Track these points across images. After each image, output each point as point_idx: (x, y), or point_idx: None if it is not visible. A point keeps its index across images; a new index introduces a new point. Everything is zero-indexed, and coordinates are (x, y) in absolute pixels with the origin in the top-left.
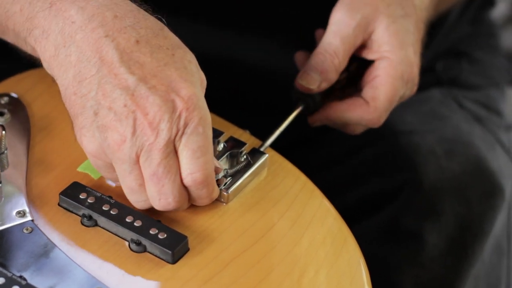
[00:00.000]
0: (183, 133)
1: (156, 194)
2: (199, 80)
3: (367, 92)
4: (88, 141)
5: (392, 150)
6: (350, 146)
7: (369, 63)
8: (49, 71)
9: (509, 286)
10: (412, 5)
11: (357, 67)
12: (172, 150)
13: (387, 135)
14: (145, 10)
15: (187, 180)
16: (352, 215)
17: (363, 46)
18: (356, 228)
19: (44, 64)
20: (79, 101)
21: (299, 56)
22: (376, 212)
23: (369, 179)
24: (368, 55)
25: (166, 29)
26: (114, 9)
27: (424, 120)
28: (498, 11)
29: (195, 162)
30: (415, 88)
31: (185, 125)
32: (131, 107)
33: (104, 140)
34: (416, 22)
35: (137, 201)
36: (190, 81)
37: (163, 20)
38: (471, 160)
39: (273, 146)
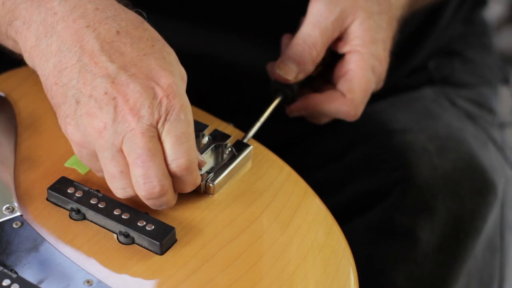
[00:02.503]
0: (165, 119)
1: (141, 178)
2: (179, 71)
3: (343, 85)
4: (73, 130)
5: (385, 148)
6: (343, 144)
7: (341, 55)
8: (29, 63)
9: (502, 283)
10: (388, 2)
11: (331, 59)
12: (155, 135)
13: (380, 133)
14: (125, 6)
15: (173, 166)
16: (346, 213)
17: (337, 38)
18: (349, 226)
19: (25, 55)
20: (60, 90)
21: (285, 39)
22: (369, 209)
23: (362, 177)
24: (340, 47)
25: (146, 23)
26: (95, 2)
27: (417, 118)
28: (494, 13)
29: (179, 148)
30: (381, 84)
31: (167, 112)
32: (112, 94)
33: (86, 127)
34: (390, 19)
35: (118, 188)
36: (169, 70)
37: (144, 14)
38: (463, 157)
39: (266, 146)
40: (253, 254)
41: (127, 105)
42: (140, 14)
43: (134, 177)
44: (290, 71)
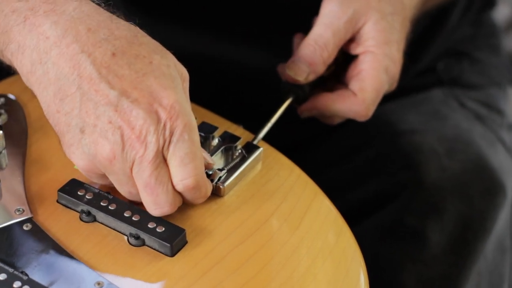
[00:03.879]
0: (170, 142)
1: (152, 204)
2: (179, 83)
3: (354, 84)
4: (78, 159)
5: (394, 149)
6: (352, 146)
7: (354, 56)
8: (28, 85)
9: None
10: (401, 3)
11: (344, 60)
12: (161, 160)
13: (388, 135)
14: (117, 17)
15: (179, 187)
16: (355, 214)
17: (350, 39)
18: (359, 227)
19: (23, 79)
20: (63, 119)
21: (297, 38)
22: (378, 211)
23: (371, 179)
24: (353, 49)
25: (140, 34)
26: (86, 22)
27: (425, 119)
28: (502, 14)
29: (184, 169)
30: (395, 85)
31: (171, 134)
32: (116, 123)
33: (94, 157)
34: (403, 19)
35: (137, 200)
36: (171, 87)
37: (135, 24)
38: (472, 158)
39: (275, 147)
40: (263, 256)
41: (133, 133)
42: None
43: (145, 202)
44: (300, 72)
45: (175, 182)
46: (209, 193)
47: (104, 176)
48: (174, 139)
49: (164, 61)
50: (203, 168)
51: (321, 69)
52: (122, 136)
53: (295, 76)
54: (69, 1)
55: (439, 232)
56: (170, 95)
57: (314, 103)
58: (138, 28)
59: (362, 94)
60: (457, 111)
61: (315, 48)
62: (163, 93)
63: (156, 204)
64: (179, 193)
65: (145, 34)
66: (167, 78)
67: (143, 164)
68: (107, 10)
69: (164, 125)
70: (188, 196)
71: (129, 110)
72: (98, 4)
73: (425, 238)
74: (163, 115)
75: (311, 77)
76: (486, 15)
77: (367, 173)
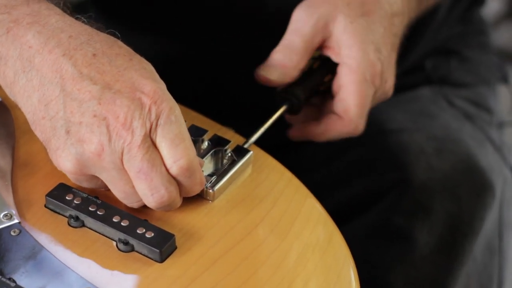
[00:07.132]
0: (157, 125)
1: (148, 190)
2: (160, 79)
3: (337, 106)
4: (64, 161)
5: (382, 149)
6: (340, 145)
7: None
8: (11, 98)
9: (501, 284)
10: (376, 2)
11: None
12: (151, 144)
13: (377, 134)
14: (97, 29)
15: (174, 169)
16: (343, 215)
17: (328, 46)
18: (346, 228)
19: (6, 90)
20: (49, 124)
21: None
22: (366, 211)
23: (359, 179)
24: (333, 56)
25: (119, 42)
26: (68, 30)
27: (414, 118)
28: (491, 9)
29: (176, 150)
30: (387, 84)
31: (157, 117)
32: (101, 115)
33: (82, 155)
34: (381, 18)
35: (132, 202)
36: (152, 78)
37: (117, 35)
38: (461, 157)
39: (262, 147)
40: (254, 261)
41: (118, 122)
42: (113, 34)
43: (141, 190)
44: (270, 72)
45: (169, 165)
46: (204, 181)
47: (94, 177)
48: (161, 121)
49: (144, 60)
50: (194, 151)
51: (293, 72)
52: (108, 126)
53: (267, 75)
54: (52, 14)
55: (427, 233)
56: (152, 83)
57: (305, 133)
58: (117, 39)
59: (348, 115)
60: (445, 110)
61: (285, 53)
62: (145, 82)
63: (152, 188)
64: (175, 182)
65: (124, 44)
66: (148, 71)
67: (133, 150)
68: (88, 24)
69: (149, 110)
70: (184, 181)
71: (112, 100)
72: (78, 18)
73: (413, 238)
74: (146, 100)
75: (287, 80)
76: (475, 12)
77: (355, 172)
